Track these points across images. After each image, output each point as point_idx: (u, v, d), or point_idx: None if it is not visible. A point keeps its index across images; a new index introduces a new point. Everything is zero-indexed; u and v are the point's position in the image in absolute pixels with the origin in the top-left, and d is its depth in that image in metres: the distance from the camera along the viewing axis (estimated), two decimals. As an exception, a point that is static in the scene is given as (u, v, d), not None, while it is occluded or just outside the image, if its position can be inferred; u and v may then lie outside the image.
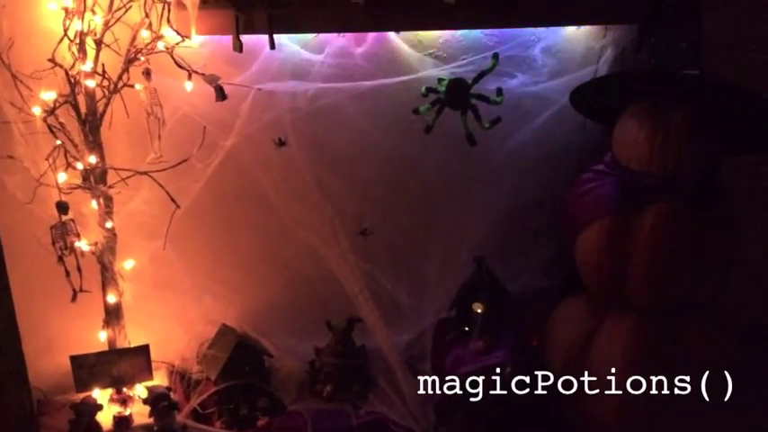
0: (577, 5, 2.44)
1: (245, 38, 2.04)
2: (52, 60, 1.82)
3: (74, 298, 1.95)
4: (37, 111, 1.85)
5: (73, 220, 1.88)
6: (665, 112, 2.15)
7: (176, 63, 1.96)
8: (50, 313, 2.24)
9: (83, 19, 1.83)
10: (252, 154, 2.25)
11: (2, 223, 2.06)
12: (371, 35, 2.33)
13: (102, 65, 1.95)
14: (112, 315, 2.13)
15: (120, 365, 2.12)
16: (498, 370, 2.27)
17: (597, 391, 2.22)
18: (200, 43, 2.03)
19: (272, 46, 2.07)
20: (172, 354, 2.35)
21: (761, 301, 2.85)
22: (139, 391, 2.18)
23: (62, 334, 2.26)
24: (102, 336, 2.15)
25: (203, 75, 2.01)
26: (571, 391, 2.28)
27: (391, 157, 2.44)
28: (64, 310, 2.19)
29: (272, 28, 2.05)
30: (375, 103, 2.36)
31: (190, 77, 1.99)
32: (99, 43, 1.88)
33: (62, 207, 1.85)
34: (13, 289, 2.12)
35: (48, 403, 2.22)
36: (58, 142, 1.85)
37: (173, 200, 2.01)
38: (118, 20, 1.89)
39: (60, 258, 1.89)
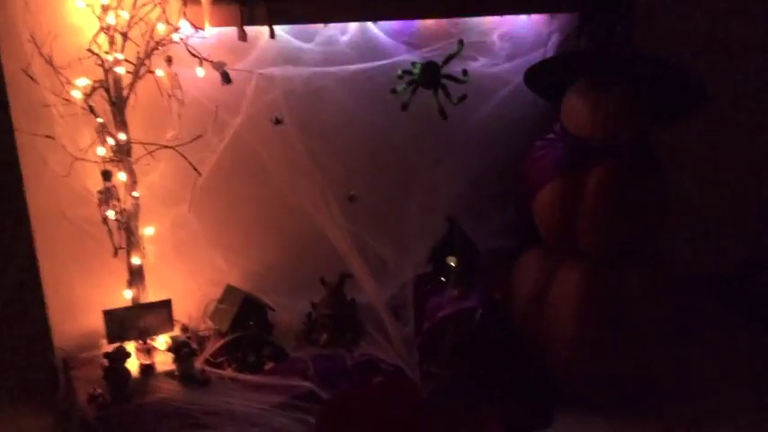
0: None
1: (247, 29, 2.22)
2: (90, 50, 2.04)
3: (115, 253, 2.19)
4: (77, 94, 2.07)
5: (115, 186, 2.12)
6: (604, 86, 2.37)
7: (189, 52, 2.16)
8: (74, 280, 2.40)
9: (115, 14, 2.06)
10: (252, 131, 2.42)
11: (31, 198, 2.28)
12: (354, 25, 2.50)
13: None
14: (136, 275, 2.33)
15: (145, 318, 2.32)
16: (471, 313, 2.52)
17: (554, 327, 2.48)
18: (210, 35, 2.20)
19: (272, 35, 2.26)
20: (182, 314, 2.50)
21: (695, 256, 3.24)
22: (161, 342, 2.39)
23: (83, 299, 2.42)
24: (128, 294, 2.35)
25: (211, 62, 2.20)
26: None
27: (373, 132, 2.62)
28: (86, 278, 2.40)
29: (271, 20, 2.24)
30: (358, 85, 2.52)
31: (201, 64, 2.19)
32: (125, 36, 2.09)
33: (107, 174, 2.09)
34: (40, 258, 2.34)
35: (74, 359, 2.38)
36: (100, 120, 2.08)
37: (195, 168, 2.22)
38: (142, 18, 2.09)
39: (105, 219, 2.13)
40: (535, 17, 2.76)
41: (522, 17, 2.75)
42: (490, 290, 2.70)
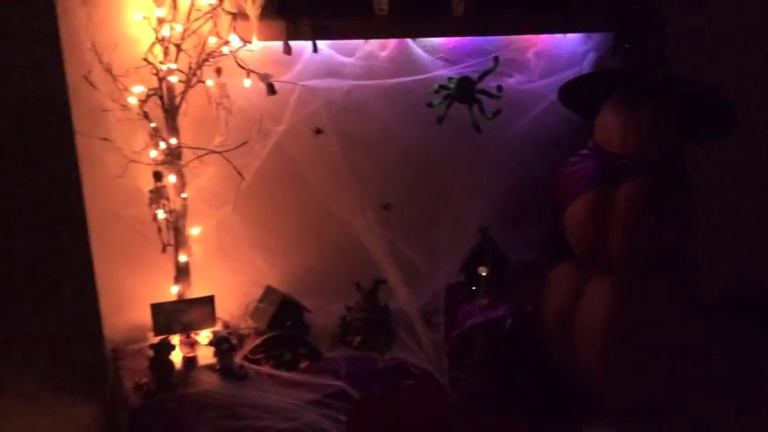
0: (564, 17, 2.72)
1: (291, 43, 2.35)
2: (146, 60, 2.20)
3: (163, 249, 2.33)
4: (133, 101, 2.23)
5: (165, 186, 2.27)
6: (636, 104, 2.43)
7: (238, 64, 2.29)
8: (124, 275, 2.52)
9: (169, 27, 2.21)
10: (294, 140, 2.53)
11: (88, 197, 2.44)
12: (393, 41, 2.60)
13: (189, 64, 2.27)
14: (182, 272, 2.46)
15: (189, 313, 2.43)
16: (500, 322, 2.59)
17: (584, 339, 2.51)
18: (257, 48, 2.32)
19: (315, 50, 2.38)
20: (224, 312, 2.60)
21: (728, 274, 3.22)
22: (203, 336, 2.50)
23: (133, 294, 2.53)
24: (174, 289, 2.47)
25: (258, 73, 2.32)
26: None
27: (409, 143, 2.70)
28: (135, 273, 2.52)
29: (314, 35, 2.36)
30: (396, 98, 2.62)
31: (248, 76, 2.31)
32: (179, 47, 2.24)
33: (158, 175, 2.24)
34: (94, 254, 2.49)
35: (123, 350, 2.50)
36: (153, 125, 2.23)
37: (239, 173, 2.36)
38: (194, 31, 2.23)
39: (155, 218, 2.28)
40: (570, 36, 2.82)
41: (558, 36, 2.81)
42: (522, 301, 2.73)
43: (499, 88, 2.53)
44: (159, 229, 2.33)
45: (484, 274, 2.71)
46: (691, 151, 2.57)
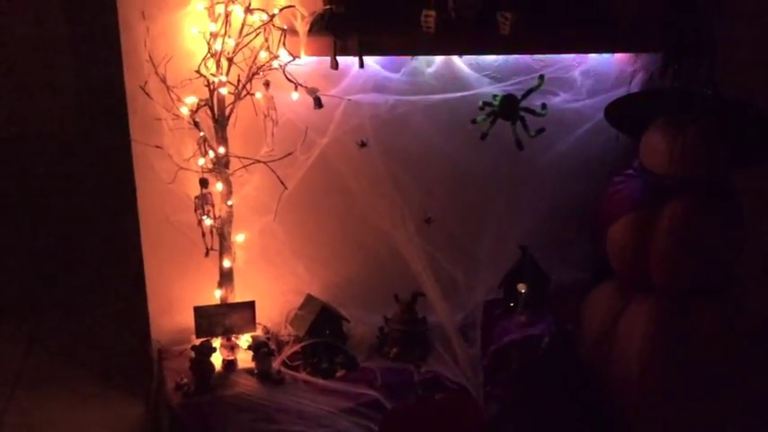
0: (612, 36, 2.69)
1: (339, 58, 2.38)
2: (198, 72, 2.28)
3: (206, 254, 2.41)
4: (185, 110, 2.32)
5: (210, 193, 2.36)
6: (683, 125, 2.41)
7: (286, 78, 2.35)
8: (172, 279, 2.60)
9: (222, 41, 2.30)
10: (339, 152, 2.58)
11: (141, 203, 2.53)
12: (439, 58, 2.62)
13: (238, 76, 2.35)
14: (226, 277, 2.53)
15: (231, 317, 2.49)
16: (538, 340, 2.60)
17: (622, 362, 2.50)
18: (305, 62, 2.38)
19: (362, 65, 2.42)
20: (266, 317, 2.66)
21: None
22: (243, 341, 2.56)
23: (179, 297, 2.60)
24: (217, 294, 2.54)
25: (306, 87, 2.39)
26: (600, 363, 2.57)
27: (452, 159, 2.71)
28: (182, 277, 2.60)
29: (361, 51, 2.39)
30: (440, 114, 2.64)
31: (296, 89, 2.38)
32: (230, 60, 2.32)
33: (204, 182, 2.33)
34: (145, 258, 2.59)
35: (168, 351, 2.59)
36: (202, 134, 2.33)
37: (282, 182, 2.42)
38: (246, 45, 2.31)
39: (199, 222, 2.37)
40: (619, 55, 2.80)
41: (606, 55, 2.80)
42: (561, 320, 2.73)
43: (543, 106, 2.53)
44: (203, 234, 2.41)
45: (523, 291, 2.71)
46: (739, 174, 2.52)
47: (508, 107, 2.54)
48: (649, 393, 2.49)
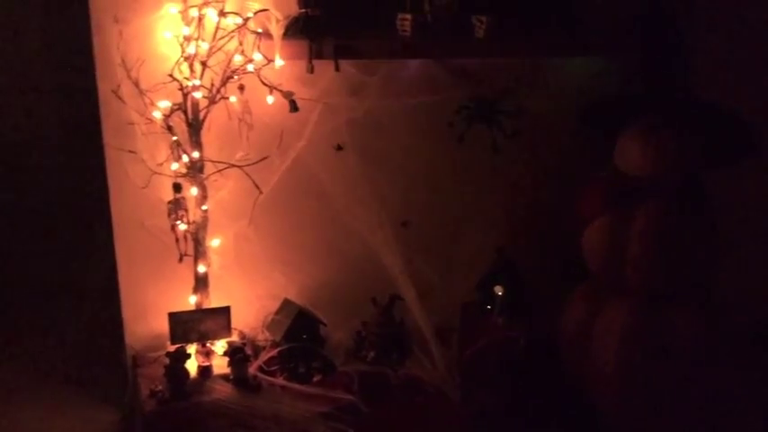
0: (587, 40, 2.68)
1: (315, 62, 2.37)
2: (171, 76, 2.26)
3: (180, 259, 2.39)
4: (157, 115, 2.29)
5: (184, 198, 2.34)
6: (656, 128, 2.43)
7: (261, 81, 2.34)
8: (147, 285, 2.57)
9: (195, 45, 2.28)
10: (315, 156, 2.57)
11: (115, 207, 2.50)
12: (415, 61, 2.62)
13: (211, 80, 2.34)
14: (201, 283, 2.51)
15: (206, 323, 2.47)
16: (514, 342, 2.59)
17: (598, 362, 2.49)
18: (281, 66, 2.35)
19: (337, 68, 2.41)
20: (242, 322, 2.64)
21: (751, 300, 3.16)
22: (219, 346, 2.54)
23: (154, 303, 2.57)
24: (192, 299, 2.52)
25: (281, 91, 2.37)
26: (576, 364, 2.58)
27: (429, 161, 2.72)
28: (157, 283, 2.57)
29: (337, 54, 2.38)
30: (417, 117, 2.65)
31: (271, 93, 2.36)
32: (204, 64, 2.29)
33: (177, 187, 2.30)
34: (119, 263, 2.56)
35: (142, 358, 2.55)
36: (175, 138, 2.30)
37: (257, 186, 2.41)
38: (220, 48, 2.29)
39: (173, 228, 2.35)
40: (593, 59, 2.82)
41: (580, 58, 2.82)
42: (538, 322, 2.73)
43: (519, 109, 2.56)
44: (177, 240, 2.39)
45: (500, 293, 2.71)
46: (712, 176, 2.55)
47: (484, 110, 2.58)
48: (625, 393, 2.51)
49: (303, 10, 2.36)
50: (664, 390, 2.49)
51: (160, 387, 2.36)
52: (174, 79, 2.28)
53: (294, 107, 2.41)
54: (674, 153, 2.42)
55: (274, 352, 2.56)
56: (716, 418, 2.60)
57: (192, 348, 2.48)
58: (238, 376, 2.44)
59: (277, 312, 2.66)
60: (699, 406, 2.55)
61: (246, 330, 2.68)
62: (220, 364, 2.50)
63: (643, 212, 2.42)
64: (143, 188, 2.38)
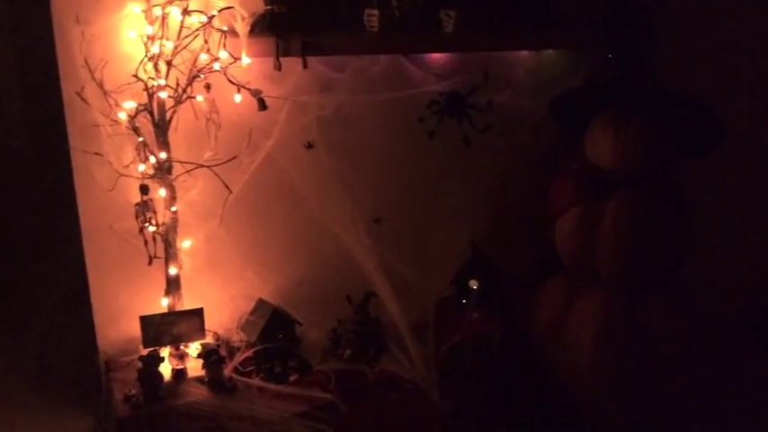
0: (555, 32, 2.71)
1: (282, 59, 2.34)
2: (136, 76, 2.23)
3: (150, 262, 2.36)
4: (123, 116, 2.26)
5: (152, 200, 2.31)
6: (625, 118, 2.44)
7: (228, 80, 2.31)
8: (118, 288, 2.54)
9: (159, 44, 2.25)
10: (285, 154, 2.55)
11: (82, 211, 2.46)
12: (384, 57, 2.60)
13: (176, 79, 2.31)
14: (173, 285, 2.48)
15: (179, 325, 2.45)
16: (490, 335, 2.60)
17: (573, 352, 2.53)
18: (248, 64, 2.33)
19: (305, 65, 2.38)
20: (216, 324, 2.62)
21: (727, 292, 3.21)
22: (193, 349, 2.52)
23: (126, 306, 2.54)
24: (164, 302, 2.49)
25: (249, 89, 2.35)
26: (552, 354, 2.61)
27: (400, 157, 2.71)
28: (128, 286, 2.54)
29: (304, 51, 2.36)
30: (387, 113, 2.63)
31: (239, 91, 2.34)
32: (169, 64, 2.27)
33: (144, 189, 2.27)
34: (88, 266, 2.52)
35: (115, 362, 2.53)
36: (141, 139, 2.27)
37: (226, 186, 2.38)
38: (185, 47, 2.26)
39: (141, 230, 2.32)
40: (561, 51, 2.84)
41: (549, 51, 2.83)
42: (513, 315, 2.75)
43: (489, 103, 2.56)
44: (146, 242, 2.36)
45: (475, 287, 2.72)
46: (683, 166, 2.59)
47: (454, 105, 2.58)
48: (600, 382, 2.53)
49: (269, 7, 2.33)
50: (639, 378, 2.51)
51: (134, 391, 2.34)
52: (139, 79, 2.24)
53: (263, 105, 2.38)
54: (642, 144, 2.43)
55: (250, 353, 2.55)
56: (692, 404, 2.64)
57: (165, 351, 2.46)
58: (214, 378, 2.42)
59: (251, 313, 2.64)
60: (674, 394, 2.58)
61: (221, 332, 2.66)
62: (195, 367, 2.48)
63: (613, 204, 2.44)
64: (110, 191, 2.35)
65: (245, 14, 2.29)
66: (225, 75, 2.33)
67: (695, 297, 2.65)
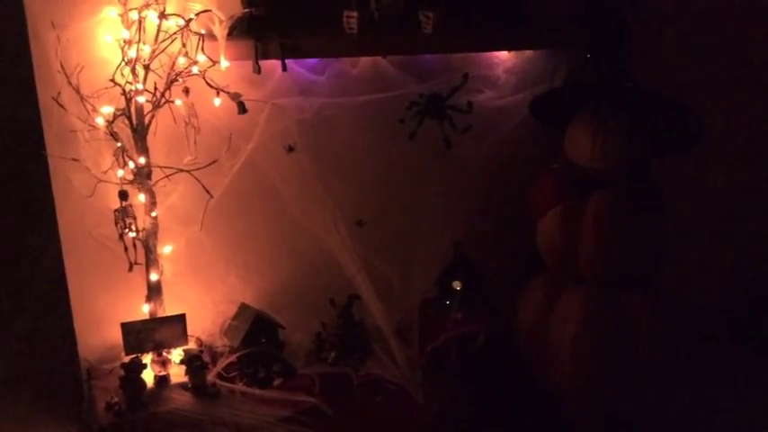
0: (534, 33, 2.71)
1: (262, 62, 2.34)
2: (113, 81, 2.21)
3: (130, 268, 2.34)
4: (100, 121, 2.24)
5: (131, 205, 2.28)
6: (604, 117, 2.46)
7: (207, 83, 2.30)
8: (98, 295, 2.52)
9: (137, 48, 2.23)
10: (266, 158, 2.53)
11: (60, 217, 2.44)
12: (363, 59, 2.60)
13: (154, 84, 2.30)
14: (154, 291, 2.46)
15: (161, 332, 2.43)
16: (474, 336, 2.64)
17: (556, 351, 2.54)
18: (227, 67, 2.32)
19: (284, 68, 2.38)
20: (199, 329, 2.61)
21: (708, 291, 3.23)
22: (175, 355, 2.50)
23: (107, 313, 2.52)
24: (145, 308, 2.48)
25: (228, 93, 2.34)
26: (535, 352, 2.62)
27: (382, 159, 2.70)
28: (109, 293, 2.52)
29: (283, 54, 2.35)
30: (368, 115, 2.62)
31: (218, 95, 2.33)
32: (147, 68, 2.25)
33: (123, 194, 2.25)
34: (68, 273, 2.49)
35: (97, 370, 2.51)
36: (119, 144, 2.25)
37: (207, 191, 2.37)
38: (162, 51, 2.25)
39: (121, 236, 2.30)
40: (540, 51, 2.84)
41: (528, 51, 2.83)
42: (496, 315, 2.76)
43: (469, 104, 2.56)
44: (126, 248, 2.34)
45: (458, 288, 2.74)
46: (662, 164, 2.59)
47: (434, 106, 2.56)
48: (583, 379, 2.54)
49: (247, 9, 2.32)
50: (621, 376, 2.52)
51: (116, 399, 2.32)
52: (117, 84, 2.23)
53: (242, 109, 2.37)
54: (621, 143, 2.44)
55: (233, 358, 2.54)
56: (674, 402, 2.66)
57: (147, 358, 2.44)
58: (197, 384, 2.41)
59: (234, 318, 2.62)
60: (656, 391, 2.60)
61: (204, 337, 2.65)
62: (178, 373, 2.46)
63: (593, 202, 2.45)
64: (88, 197, 2.32)
65: (223, 17, 2.28)
66: (203, 78, 2.31)
67: (676, 295, 2.67)
